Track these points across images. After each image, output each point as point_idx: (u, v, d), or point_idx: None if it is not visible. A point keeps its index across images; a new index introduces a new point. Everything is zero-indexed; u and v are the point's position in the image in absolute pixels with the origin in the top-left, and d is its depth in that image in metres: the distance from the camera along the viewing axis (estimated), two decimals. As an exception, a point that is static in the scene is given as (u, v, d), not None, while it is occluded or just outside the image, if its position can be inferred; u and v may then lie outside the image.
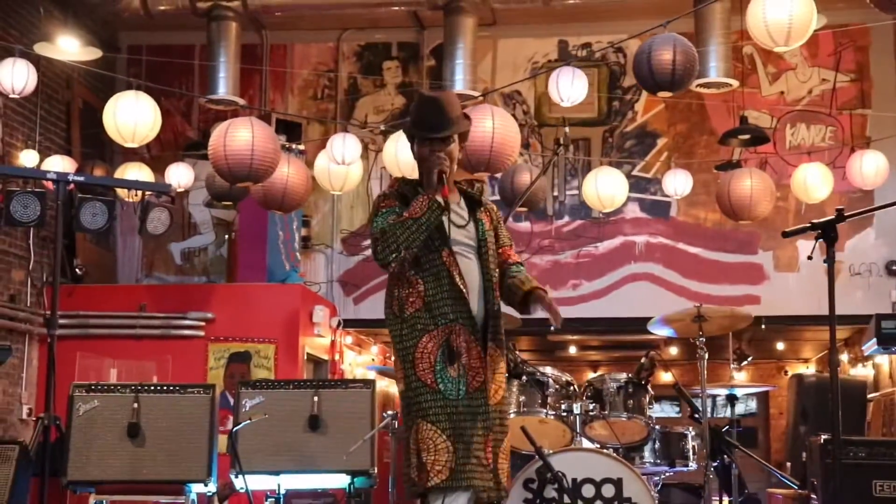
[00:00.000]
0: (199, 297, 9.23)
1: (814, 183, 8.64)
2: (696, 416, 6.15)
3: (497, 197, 9.23)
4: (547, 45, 10.64)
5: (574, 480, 5.06)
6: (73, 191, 6.80)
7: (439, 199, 3.91)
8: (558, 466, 4.95)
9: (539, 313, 4.18)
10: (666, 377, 10.25)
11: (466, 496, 3.86)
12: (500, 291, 4.16)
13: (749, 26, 6.01)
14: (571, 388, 5.93)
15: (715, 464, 6.13)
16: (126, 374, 8.38)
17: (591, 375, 8.41)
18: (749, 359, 11.79)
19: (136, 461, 5.50)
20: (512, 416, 5.56)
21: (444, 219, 3.96)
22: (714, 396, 7.78)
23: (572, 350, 13.99)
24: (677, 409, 14.60)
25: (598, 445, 5.86)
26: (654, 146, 10.45)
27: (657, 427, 6.11)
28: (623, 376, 6.00)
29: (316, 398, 5.68)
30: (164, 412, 5.59)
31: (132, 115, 7.31)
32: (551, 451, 5.12)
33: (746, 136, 8.89)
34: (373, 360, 11.14)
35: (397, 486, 6.93)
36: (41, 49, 8.14)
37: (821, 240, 3.74)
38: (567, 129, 9.92)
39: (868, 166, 8.55)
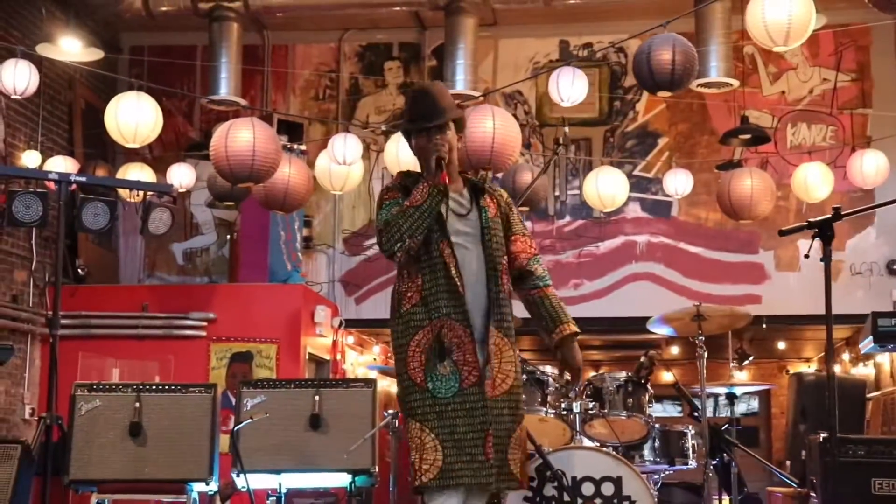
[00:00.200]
0: (200, 298, 9.24)
1: (814, 182, 8.66)
2: (696, 414, 6.16)
3: (498, 196, 9.23)
4: (548, 45, 10.65)
5: (574, 479, 5.05)
6: (75, 191, 6.81)
7: (439, 185, 3.89)
8: (558, 465, 4.95)
9: None
10: (667, 376, 10.26)
11: (457, 495, 3.85)
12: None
13: (748, 26, 6.03)
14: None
15: (714, 462, 6.14)
16: (128, 374, 8.38)
17: (591, 374, 8.41)
18: (751, 358, 11.76)
19: (137, 460, 5.50)
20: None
21: (443, 208, 3.94)
22: (715, 395, 7.78)
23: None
24: (680, 408, 14.59)
25: (598, 444, 5.85)
26: (654, 146, 10.46)
27: (657, 425, 6.11)
28: (622, 375, 6.00)
29: (317, 397, 5.68)
30: (166, 412, 5.59)
31: (134, 116, 7.34)
32: (551, 450, 5.12)
33: (747, 136, 8.91)
34: (374, 359, 11.12)
35: (398, 485, 6.94)
36: (43, 50, 8.16)
37: (818, 238, 3.76)
38: (567, 128, 9.92)
39: (868, 166, 8.57)
